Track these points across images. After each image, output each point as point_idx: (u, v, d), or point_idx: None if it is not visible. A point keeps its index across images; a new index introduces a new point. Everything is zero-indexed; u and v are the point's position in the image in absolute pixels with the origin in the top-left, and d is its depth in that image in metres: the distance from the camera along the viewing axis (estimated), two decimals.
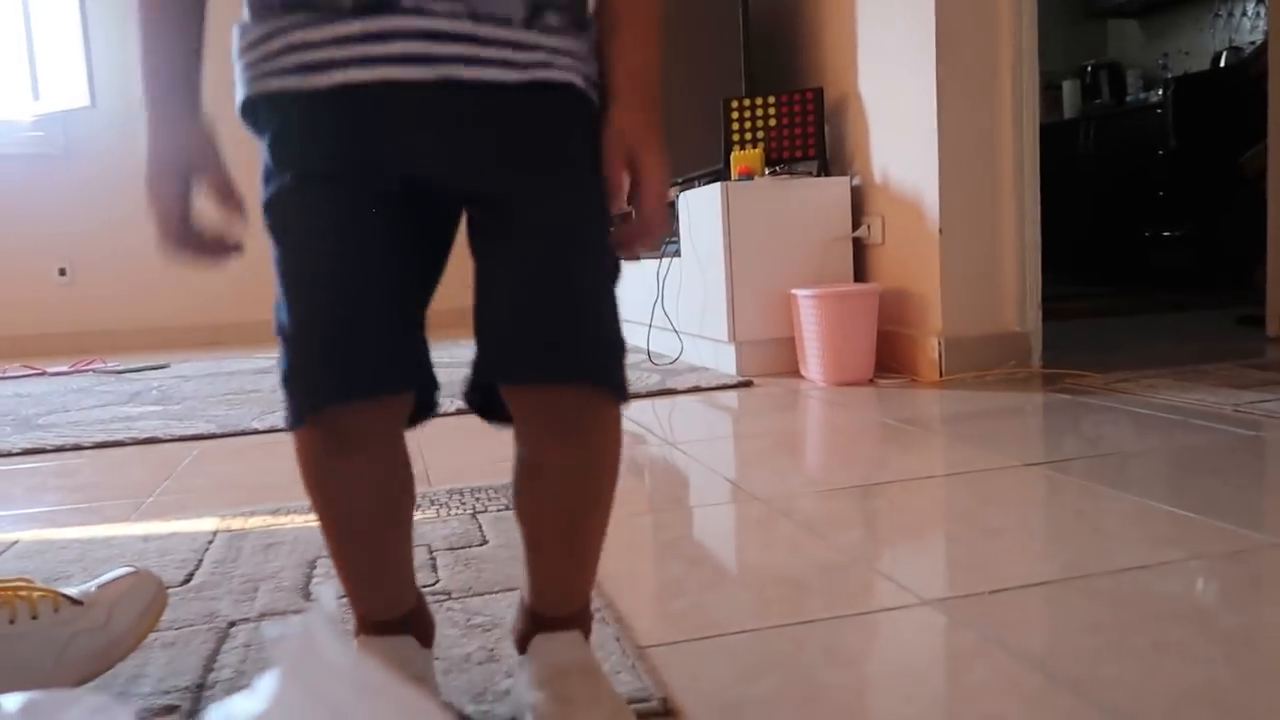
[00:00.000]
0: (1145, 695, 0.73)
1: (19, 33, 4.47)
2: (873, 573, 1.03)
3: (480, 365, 0.66)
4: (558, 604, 0.71)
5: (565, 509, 0.70)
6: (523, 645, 0.72)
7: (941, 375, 2.27)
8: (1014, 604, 0.92)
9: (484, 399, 0.69)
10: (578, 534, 0.71)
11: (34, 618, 0.79)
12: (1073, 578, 0.98)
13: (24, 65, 4.48)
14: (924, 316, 2.36)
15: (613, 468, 0.70)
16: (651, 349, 3.00)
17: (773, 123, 2.63)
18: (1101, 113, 4.83)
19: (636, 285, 3.28)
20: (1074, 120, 4.90)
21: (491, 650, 0.84)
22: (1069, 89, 5.02)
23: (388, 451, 0.69)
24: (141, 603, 0.83)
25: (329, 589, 0.29)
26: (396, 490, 0.72)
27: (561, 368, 0.64)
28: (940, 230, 2.28)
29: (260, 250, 0.66)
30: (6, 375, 3.45)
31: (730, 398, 2.26)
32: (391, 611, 0.73)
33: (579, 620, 0.72)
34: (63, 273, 4.62)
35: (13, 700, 0.35)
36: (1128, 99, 4.89)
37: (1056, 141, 4.47)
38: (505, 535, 1.19)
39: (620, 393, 0.67)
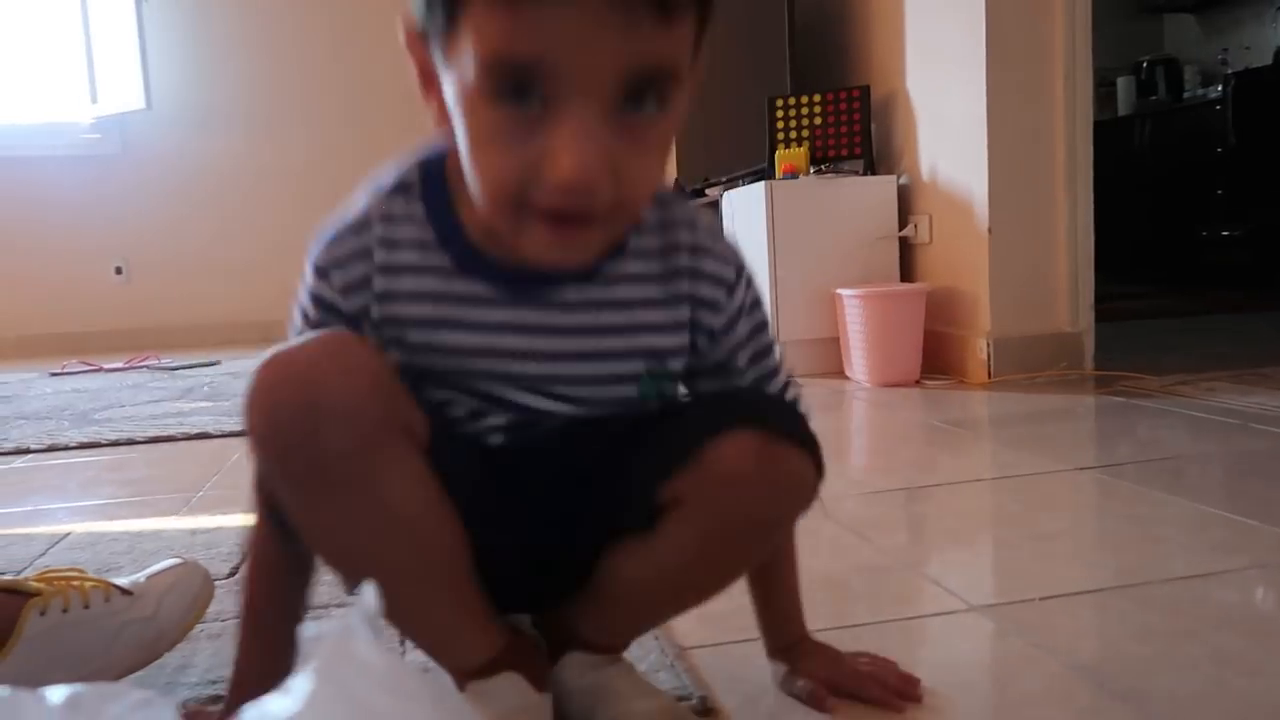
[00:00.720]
0: (1201, 708, 0.71)
1: (79, 38, 4.59)
2: (919, 577, 1.01)
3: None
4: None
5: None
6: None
7: (990, 377, 2.23)
8: (1065, 611, 0.90)
9: None
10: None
11: (86, 607, 0.80)
12: (1126, 585, 0.95)
13: (83, 69, 4.60)
14: (972, 317, 2.32)
15: None
16: None
17: (818, 121, 2.60)
18: (1157, 110, 4.71)
19: None
20: (1128, 117, 4.79)
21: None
22: (1124, 86, 4.90)
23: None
24: (189, 594, 0.85)
25: (371, 588, 0.29)
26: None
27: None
28: (989, 229, 2.24)
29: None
30: (65, 371, 3.54)
31: None
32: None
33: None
34: (119, 271, 4.74)
35: (58, 693, 0.35)
36: (1185, 95, 4.76)
37: (1110, 139, 4.37)
38: None
39: None
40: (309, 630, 0.27)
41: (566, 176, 0.48)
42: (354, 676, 0.26)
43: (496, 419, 0.63)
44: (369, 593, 0.28)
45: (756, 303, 0.67)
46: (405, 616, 0.62)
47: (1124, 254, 4.46)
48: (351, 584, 0.60)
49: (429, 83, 0.54)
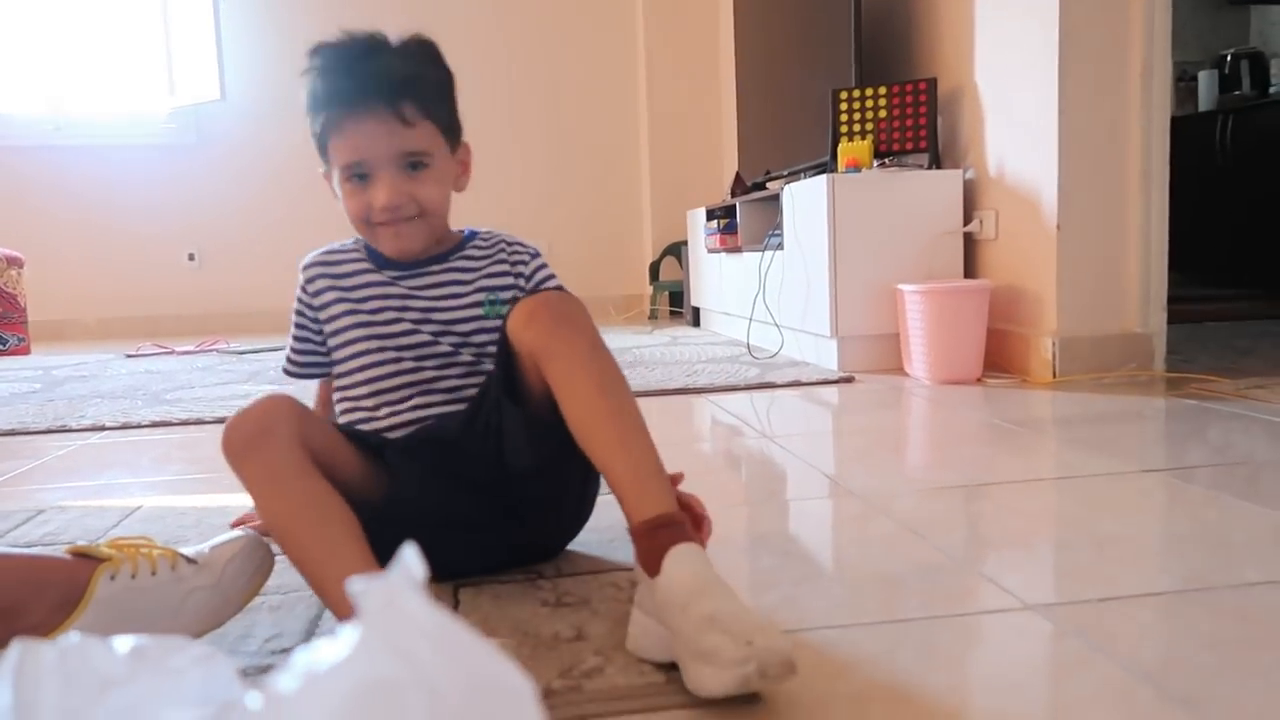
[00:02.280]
0: (1266, 717, 0.68)
1: (158, 31, 4.73)
2: (974, 575, 1.00)
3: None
4: (657, 497, 0.81)
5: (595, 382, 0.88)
6: (655, 567, 0.77)
7: (1055, 376, 2.18)
8: (1126, 614, 0.88)
9: None
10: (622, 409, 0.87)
11: (153, 573, 0.83)
12: (1192, 590, 0.92)
13: (162, 61, 4.75)
14: (1038, 315, 2.27)
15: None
16: (752, 343, 2.98)
17: (883, 114, 2.57)
18: (1241, 105, 4.54)
19: (738, 278, 3.26)
20: (1210, 113, 4.63)
21: (580, 629, 0.85)
22: (1205, 80, 4.74)
23: None
24: (251, 565, 0.87)
25: (413, 550, 0.30)
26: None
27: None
28: (1058, 226, 2.18)
29: None
30: (139, 353, 3.67)
31: (831, 393, 2.22)
32: None
33: (683, 526, 0.80)
34: (191, 258, 4.88)
35: (125, 643, 0.36)
36: (1271, 90, 4.58)
37: (1190, 135, 4.23)
38: (595, 519, 1.20)
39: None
40: (357, 585, 0.27)
41: (385, 203, 0.97)
42: (400, 628, 0.26)
43: (406, 392, 1.01)
44: (411, 553, 0.28)
45: (551, 275, 1.10)
46: (310, 568, 0.82)
47: (1200, 254, 4.31)
48: (280, 535, 0.84)
49: (334, 193, 1.01)
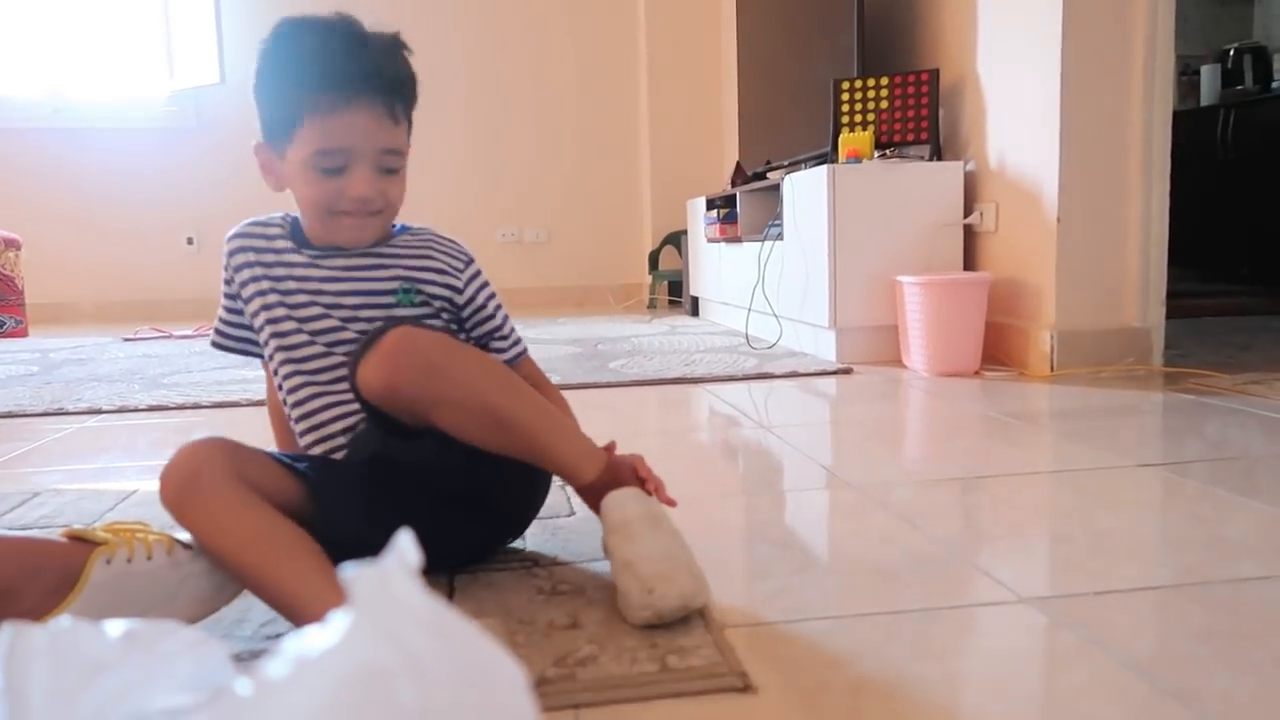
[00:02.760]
0: (1259, 710, 0.68)
1: (158, 14, 4.71)
2: (969, 567, 1.00)
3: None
4: (587, 464, 0.94)
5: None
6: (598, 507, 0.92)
7: (1053, 370, 2.18)
8: (1120, 607, 0.88)
9: None
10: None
11: (149, 558, 0.83)
12: (1187, 584, 0.93)
13: (161, 45, 4.73)
14: (1036, 308, 2.27)
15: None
16: (750, 333, 2.98)
17: (884, 104, 2.56)
18: (1244, 100, 4.53)
19: (737, 268, 3.26)
20: (1212, 107, 4.62)
21: (575, 617, 0.85)
22: (1208, 74, 4.73)
23: None
24: None
25: (409, 536, 0.30)
26: None
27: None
28: (1058, 219, 2.18)
29: None
30: (136, 337, 3.66)
31: (828, 384, 2.22)
32: None
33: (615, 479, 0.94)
34: (190, 241, 4.87)
35: (116, 626, 0.36)
36: (1274, 85, 4.57)
37: (1192, 130, 4.22)
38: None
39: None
40: (348, 571, 0.27)
41: (360, 195, 0.94)
42: (393, 615, 0.26)
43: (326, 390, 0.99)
44: (405, 539, 0.28)
45: (486, 283, 1.05)
46: (275, 597, 0.80)
47: (1200, 249, 4.31)
48: (236, 573, 0.82)
49: (268, 170, 1.00)
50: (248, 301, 1.03)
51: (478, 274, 1.04)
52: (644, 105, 4.94)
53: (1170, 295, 2.26)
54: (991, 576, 0.96)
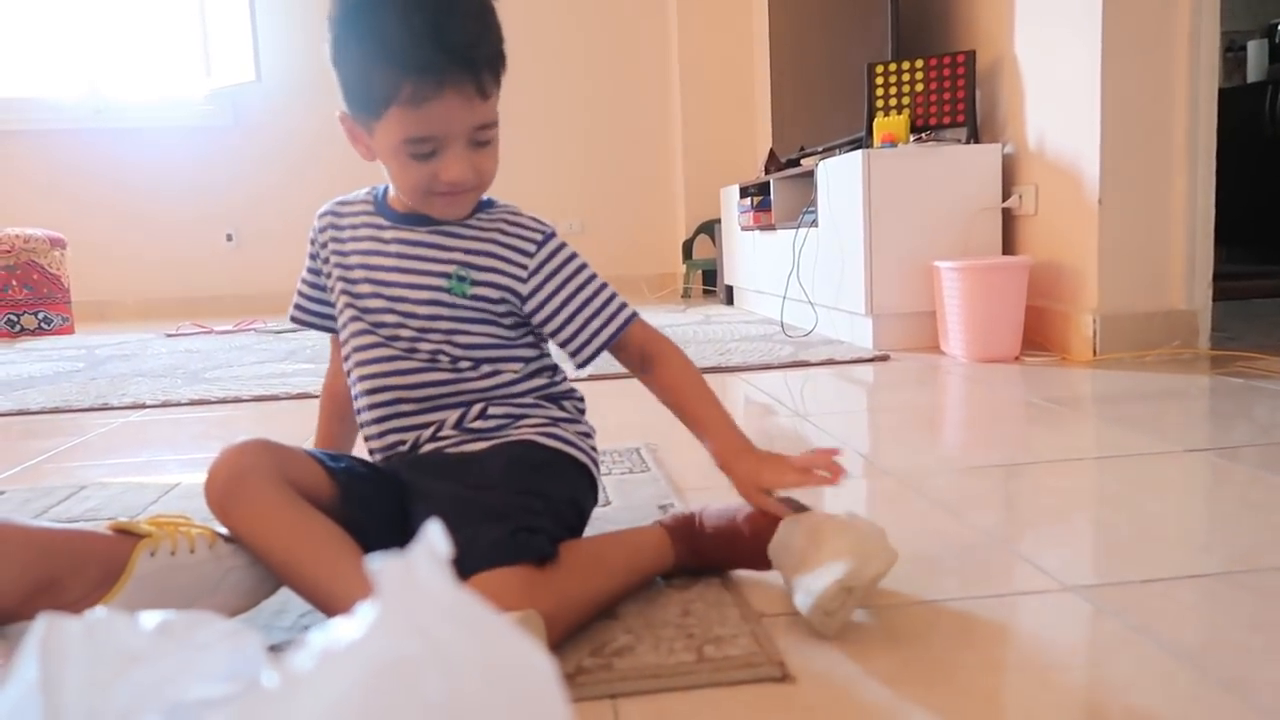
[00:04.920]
0: None
1: (195, 14, 4.77)
2: (1011, 555, 0.98)
3: None
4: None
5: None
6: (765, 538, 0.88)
7: (1095, 354, 2.14)
8: (1168, 595, 0.86)
9: None
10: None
11: (192, 551, 0.84)
12: (1237, 571, 0.90)
13: (198, 45, 4.79)
14: (1078, 292, 2.22)
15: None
16: (785, 321, 2.96)
17: (919, 88, 2.52)
18: None
19: (772, 256, 3.24)
20: (1259, 84, 4.49)
21: (611, 607, 0.85)
22: (1254, 50, 4.60)
23: None
24: None
25: (437, 526, 0.29)
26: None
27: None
28: (1100, 200, 2.13)
29: None
30: (178, 333, 3.72)
31: (865, 371, 2.20)
32: None
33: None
34: (229, 238, 4.94)
35: (151, 618, 0.36)
36: None
37: (1238, 107, 4.11)
38: (626, 497, 1.20)
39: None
40: (375, 562, 0.27)
41: (454, 179, 0.89)
42: (419, 606, 0.26)
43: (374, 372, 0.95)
44: (434, 530, 0.28)
45: (570, 259, 0.97)
46: (321, 599, 0.80)
47: (1247, 229, 4.20)
48: (278, 571, 0.83)
49: (357, 139, 0.93)
50: (328, 277, 1.00)
51: (548, 260, 0.95)
52: (676, 94, 4.92)
53: (1217, 277, 2.21)
54: (1034, 564, 0.94)
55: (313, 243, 1.03)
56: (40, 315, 4.05)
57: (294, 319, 1.06)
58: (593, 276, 0.97)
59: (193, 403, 2.11)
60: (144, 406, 2.10)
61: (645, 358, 0.98)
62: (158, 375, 2.54)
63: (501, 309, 0.94)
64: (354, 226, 0.98)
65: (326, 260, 1.00)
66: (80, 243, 4.58)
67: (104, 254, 4.79)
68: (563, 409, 0.99)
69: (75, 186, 4.79)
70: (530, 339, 0.98)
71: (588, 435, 1.00)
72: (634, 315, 0.98)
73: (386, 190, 1.00)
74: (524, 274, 0.94)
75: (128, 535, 0.84)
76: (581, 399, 1.03)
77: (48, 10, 4.77)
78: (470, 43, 0.85)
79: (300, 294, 1.05)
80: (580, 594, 0.80)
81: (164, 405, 2.10)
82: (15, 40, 4.79)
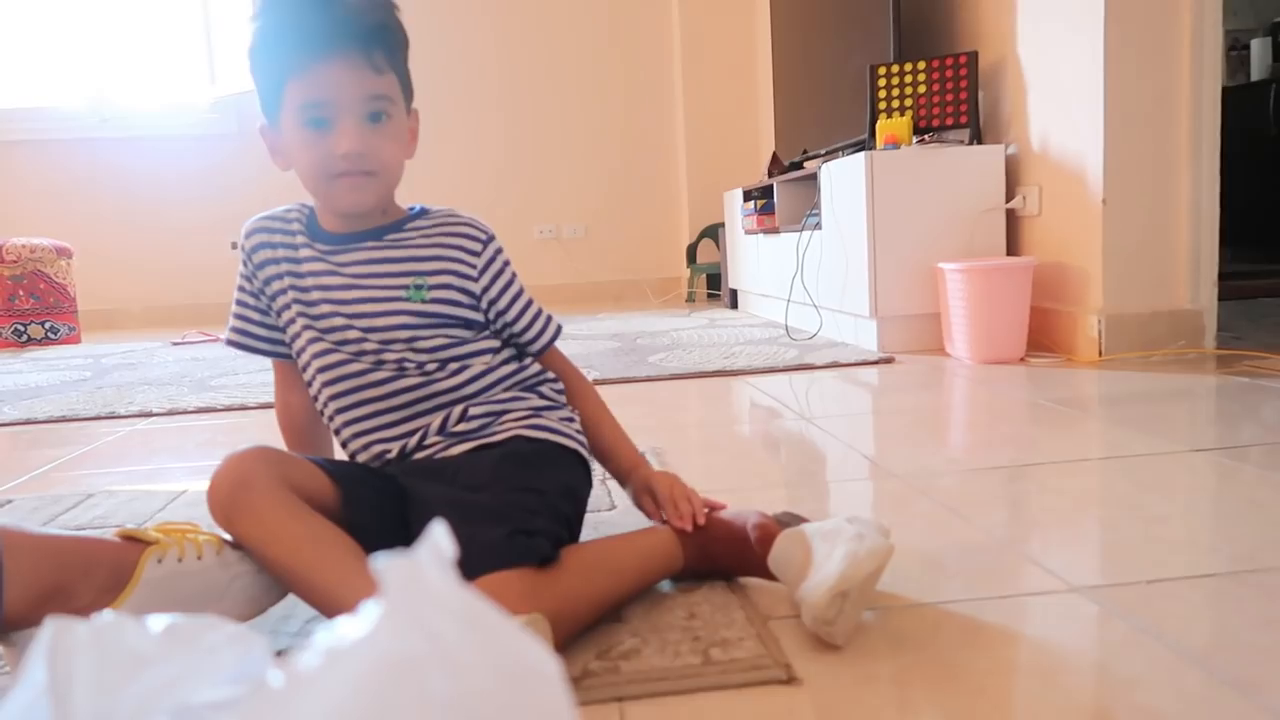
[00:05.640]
0: None
1: (199, 23, 4.79)
2: (1018, 556, 0.98)
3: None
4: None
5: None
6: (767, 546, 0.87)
7: (1101, 355, 2.14)
8: (1175, 596, 0.86)
9: None
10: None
11: (199, 558, 0.84)
12: (1244, 571, 0.90)
13: (203, 53, 4.81)
14: (1083, 292, 2.22)
15: None
16: (790, 324, 2.96)
17: (922, 89, 2.52)
18: None
19: (776, 259, 3.24)
20: (1263, 83, 4.48)
21: (617, 610, 0.85)
22: (1258, 48, 4.59)
23: None
24: None
25: (442, 527, 0.30)
26: None
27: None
28: (1104, 200, 2.13)
29: None
30: (184, 341, 3.73)
31: (870, 374, 2.19)
32: None
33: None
34: (234, 246, 4.94)
35: (159, 622, 0.37)
36: None
37: (1242, 106, 4.10)
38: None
39: None
40: (380, 560, 0.27)
41: (348, 149, 0.89)
42: (424, 605, 0.26)
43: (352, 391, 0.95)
44: (440, 529, 0.28)
45: (507, 264, 1.00)
46: (326, 604, 0.80)
47: (1253, 228, 4.19)
48: (283, 577, 0.83)
49: (275, 150, 0.97)
50: (272, 300, 0.99)
51: (494, 259, 0.98)
52: (679, 98, 4.92)
53: (1223, 276, 2.20)
54: (1041, 565, 0.94)
55: (245, 263, 1.00)
56: (47, 325, 4.06)
57: (238, 345, 1.03)
58: (523, 287, 1.02)
59: (199, 410, 2.11)
60: (151, 415, 2.10)
61: (556, 372, 1.03)
62: (164, 383, 2.55)
63: (459, 309, 0.96)
64: (292, 247, 0.98)
65: (267, 282, 0.99)
66: (86, 252, 4.59)
67: (110, 263, 4.81)
68: (542, 396, 0.99)
69: (81, 196, 4.81)
70: (488, 333, 0.99)
71: (571, 420, 0.99)
72: (559, 331, 1.04)
73: (313, 212, 1.00)
74: (474, 272, 0.97)
75: (135, 542, 0.84)
76: (557, 381, 1.02)
77: (53, 20, 4.79)
78: (356, 13, 0.89)
79: (243, 318, 1.02)
80: (584, 595, 0.81)
81: (170, 413, 2.11)
82: (21, 50, 4.81)
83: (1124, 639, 0.78)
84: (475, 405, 0.94)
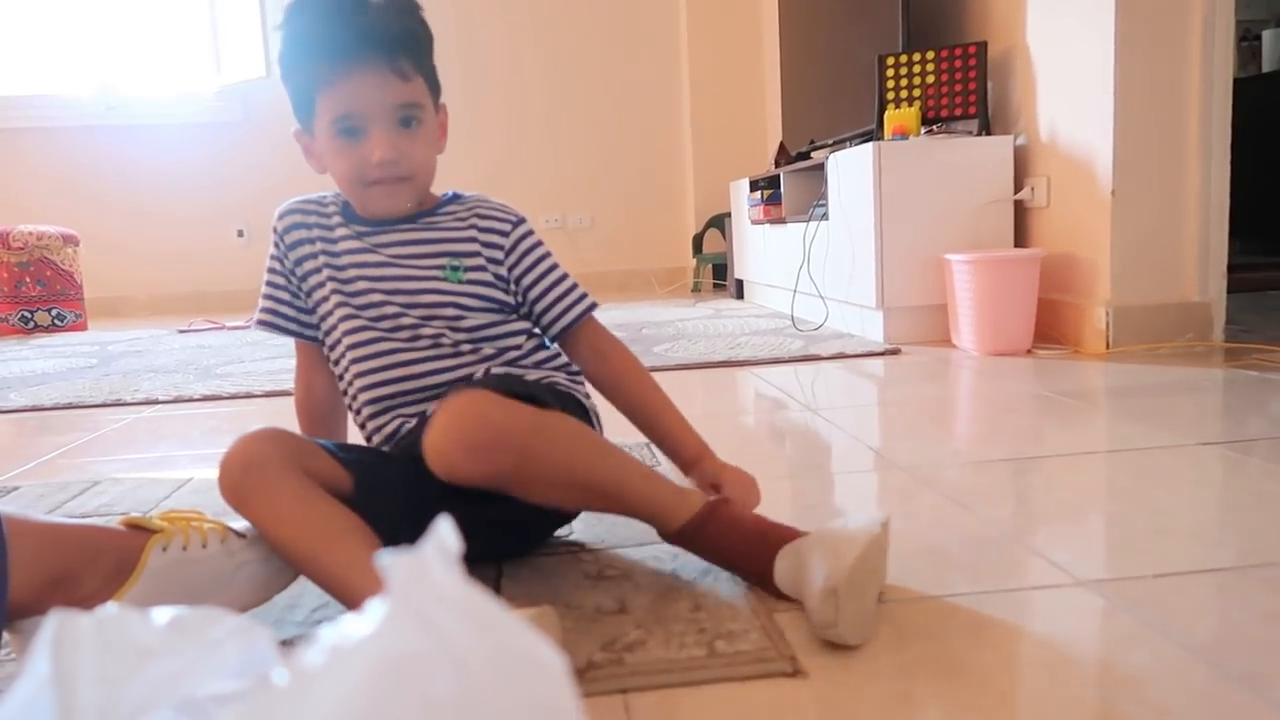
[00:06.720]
0: None
1: (205, 11, 4.78)
2: (1023, 549, 0.98)
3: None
4: (674, 514, 0.91)
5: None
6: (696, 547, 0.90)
7: (1108, 347, 2.13)
8: (1181, 590, 0.85)
9: None
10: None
11: (204, 546, 0.84)
12: (1251, 565, 0.90)
13: (208, 41, 4.80)
14: (1090, 284, 2.21)
15: None
16: (796, 315, 2.95)
17: (930, 79, 2.51)
18: None
19: (782, 250, 3.23)
20: (1275, 73, 4.45)
21: (622, 602, 0.85)
22: (1270, 39, 4.56)
23: None
24: None
25: (447, 522, 0.29)
26: None
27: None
28: (1113, 192, 2.12)
29: None
30: (190, 328, 3.74)
31: (876, 365, 2.19)
32: None
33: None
34: (240, 234, 4.95)
35: (163, 614, 0.37)
36: None
37: (1253, 97, 4.07)
38: None
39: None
40: (384, 558, 0.27)
41: (381, 158, 0.93)
42: (429, 602, 0.26)
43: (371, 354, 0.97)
44: (445, 526, 0.28)
45: (538, 244, 1.03)
46: (334, 586, 0.80)
47: (1262, 220, 4.17)
48: (293, 558, 0.82)
49: (309, 152, 1.00)
50: (303, 280, 1.01)
51: (522, 239, 1.01)
52: (686, 88, 4.91)
53: (1232, 268, 2.19)
54: (1046, 559, 0.94)
55: (278, 244, 1.02)
56: (54, 312, 4.07)
57: (268, 324, 1.03)
58: (557, 264, 1.04)
59: (205, 398, 2.12)
60: (156, 402, 2.11)
61: (597, 350, 1.03)
62: (170, 371, 2.55)
63: (493, 290, 0.99)
64: (328, 228, 1.00)
65: (299, 262, 1.01)
66: (92, 239, 4.60)
67: (116, 250, 4.81)
68: (568, 373, 1.03)
69: (87, 183, 4.81)
70: (516, 317, 1.02)
71: (589, 397, 1.04)
72: (594, 304, 1.04)
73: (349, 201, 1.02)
74: (501, 255, 1.00)
75: (140, 530, 0.84)
76: (579, 371, 1.04)
77: (58, 8, 4.78)
78: (385, 27, 0.91)
79: (274, 299, 1.03)
80: (561, 445, 0.83)
81: (176, 401, 2.11)
82: (26, 38, 4.81)
83: (1130, 633, 0.77)
84: (497, 367, 0.98)
